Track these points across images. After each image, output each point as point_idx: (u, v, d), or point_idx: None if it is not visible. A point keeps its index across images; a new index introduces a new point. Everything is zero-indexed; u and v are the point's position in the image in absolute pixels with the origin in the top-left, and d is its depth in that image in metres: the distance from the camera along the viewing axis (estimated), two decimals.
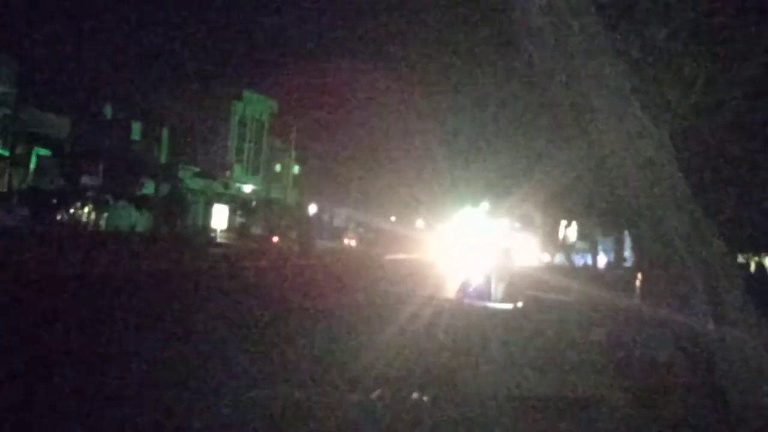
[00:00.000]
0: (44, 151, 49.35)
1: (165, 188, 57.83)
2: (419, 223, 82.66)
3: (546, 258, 54.87)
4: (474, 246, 39.33)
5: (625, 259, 37.96)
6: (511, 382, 12.24)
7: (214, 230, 59.67)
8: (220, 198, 68.48)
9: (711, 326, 12.92)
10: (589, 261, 48.63)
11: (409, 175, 58.03)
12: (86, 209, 50.05)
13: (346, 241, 76.62)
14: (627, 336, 17.08)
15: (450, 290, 30.13)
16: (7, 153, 44.59)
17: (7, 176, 40.06)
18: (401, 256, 62.58)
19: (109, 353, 12.40)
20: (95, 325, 15.19)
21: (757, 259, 22.75)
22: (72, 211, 49.05)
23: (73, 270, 24.49)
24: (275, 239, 63.03)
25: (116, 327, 15.06)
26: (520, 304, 24.69)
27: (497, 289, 27.53)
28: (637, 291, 20.47)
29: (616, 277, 33.57)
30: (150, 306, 19.28)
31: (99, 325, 15.32)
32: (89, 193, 48.06)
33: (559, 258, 51.72)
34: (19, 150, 46.05)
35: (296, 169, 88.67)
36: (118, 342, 13.40)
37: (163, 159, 61.81)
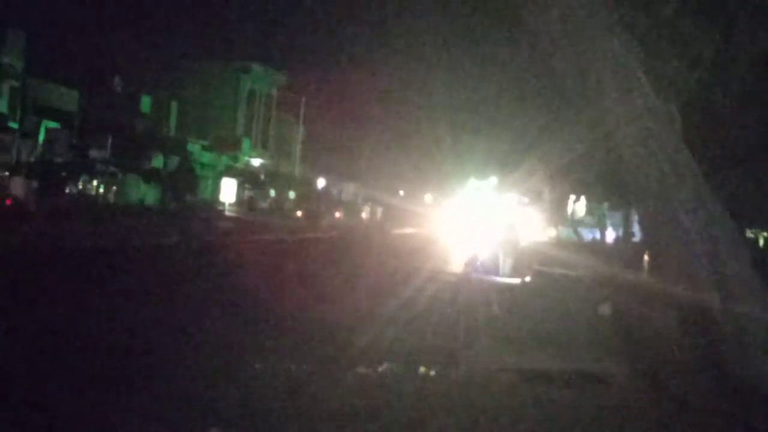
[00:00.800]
0: (53, 124, 49.30)
1: (174, 162, 57.90)
2: (427, 197, 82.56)
3: (553, 232, 54.65)
4: (481, 220, 38.99)
5: (633, 234, 37.87)
6: (518, 356, 12.27)
7: (223, 203, 59.69)
8: (229, 172, 68.49)
9: (717, 302, 12.96)
10: (598, 236, 48.52)
11: (417, 150, 57.99)
12: (95, 182, 50.10)
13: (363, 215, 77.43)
14: (633, 311, 17.10)
15: (458, 264, 30.13)
16: (16, 125, 44.55)
17: (16, 149, 39.91)
18: (409, 230, 62.63)
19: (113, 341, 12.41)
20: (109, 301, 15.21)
21: (766, 234, 22.69)
22: (81, 184, 49.13)
23: (87, 243, 24.54)
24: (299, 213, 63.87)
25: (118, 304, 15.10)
26: (527, 279, 24.70)
27: (505, 263, 27.60)
28: (645, 266, 20.43)
29: (623, 251, 33.54)
30: (147, 281, 19.33)
31: (112, 302, 15.35)
32: (98, 167, 48.02)
33: (566, 232, 51.64)
34: (27, 122, 46.00)
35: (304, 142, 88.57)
36: (117, 328, 13.42)
37: (171, 132, 61.87)
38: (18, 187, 27.37)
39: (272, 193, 77.29)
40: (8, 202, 30.50)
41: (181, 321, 13.25)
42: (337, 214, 71.42)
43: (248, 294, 17.39)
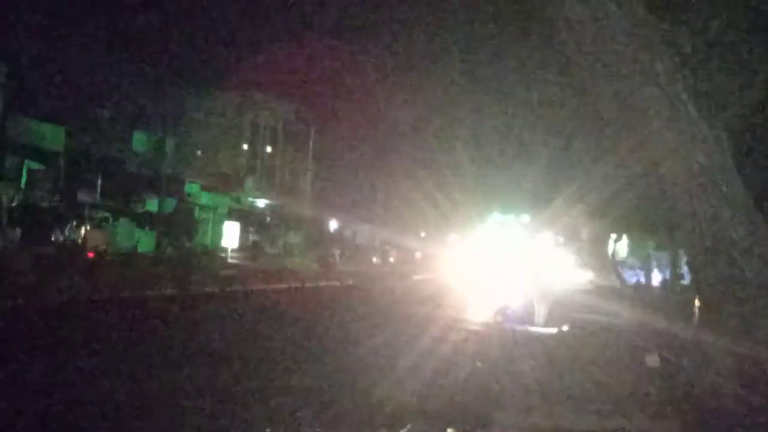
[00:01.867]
0: (36, 165, 49.52)
1: (170, 204, 57.99)
2: (452, 238, 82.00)
3: (592, 276, 54.45)
4: (513, 264, 38.78)
5: (682, 277, 37.67)
6: (555, 418, 12.14)
7: (225, 249, 59.56)
8: (231, 214, 68.43)
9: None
10: (642, 279, 48.27)
11: (439, 187, 57.75)
12: (83, 228, 50.20)
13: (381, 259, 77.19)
14: (683, 364, 16.96)
15: (487, 313, 30.00)
16: None
17: None
18: (432, 275, 62.52)
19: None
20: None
21: None
22: (68, 230, 49.26)
23: (67, 297, 24.55)
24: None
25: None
26: (565, 328, 24.58)
27: (539, 311, 27.47)
28: (696, 313, 20.28)
29: (671, 297, 33.38)
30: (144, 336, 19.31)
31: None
32: (86, 211, 48.15)
33: (606, 276, 51.32)
34: (8, 164, 46.21)
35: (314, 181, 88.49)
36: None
37: (167, 171, 61.99)
38: None
39: (280, 236, 77.11)
40: None
41: (174, 385, 13.20)
42: (353, 259, 71.12)
43: (258, 349, 17.38)
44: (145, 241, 54.87)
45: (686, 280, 33.08)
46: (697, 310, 19.66)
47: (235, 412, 11.55)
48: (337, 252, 67.27)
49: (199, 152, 69.38)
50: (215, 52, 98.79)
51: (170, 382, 13.27)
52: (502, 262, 45.70)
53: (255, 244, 69.87)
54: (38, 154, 49.44)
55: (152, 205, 57.58)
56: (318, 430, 10.46)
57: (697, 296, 19.94)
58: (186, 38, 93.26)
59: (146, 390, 12.58)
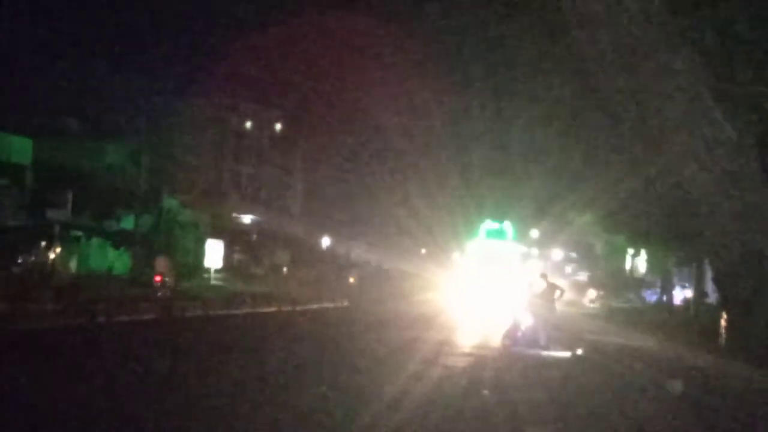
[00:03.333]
0: (1, 181, 49.42)
1: (147, 221, 57.69)
2: (455, 256, 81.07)
3: (595, 294, 55.21)
4: (516, 282, 38.36)
5: (706, 295, 37.69)
6: None
7: (208, 270, 59.19)
8: (214, 232, 67.89)
9: None
10: (663, 297, 48.26)
11: (441, 201, 57.91)
12: (55, 250, 50.01)
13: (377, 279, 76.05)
14: (709, 390, 16.90)
15: (494, 336, 29.89)
16: None
17: None
18: (433, 294, 62.51)
19: None
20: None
21: None
22: (36, 252, 49.09)
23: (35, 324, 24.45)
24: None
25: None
26: (579, 352, 24.51)
27: (549, 333, 27.45)
28: (722, 333, 20.24)
29: (695, 315, 33.32)
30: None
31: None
32: (57, 230, 47.95)
33: (623, 294, 51.40)
34: None
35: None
36: None
37: (143, 187, 61.57)
38: None
39: (266, 255, 76.58)
40: None
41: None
42: (350, 279, 70.71)
43: (245, 384, 17.27)
44: (121, 262, 54.59)
45: (711, 299, 33.04)
46: (723, 332, 19.61)
47: None
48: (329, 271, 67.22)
49: (178, 165, 68.91)
50: (196, 58, 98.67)
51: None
52: (506, 281, 44.80)
53: (240, 264, 69.47)
54: (3, 168, 49.33)
55: (128, 222, 57.28)
56: None
57: (724, 316, 19.93)
58: (165, 43, 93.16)
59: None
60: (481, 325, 37.71)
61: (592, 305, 54.12)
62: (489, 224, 53.30)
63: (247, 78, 68.78)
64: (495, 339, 29.03)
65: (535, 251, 76.50)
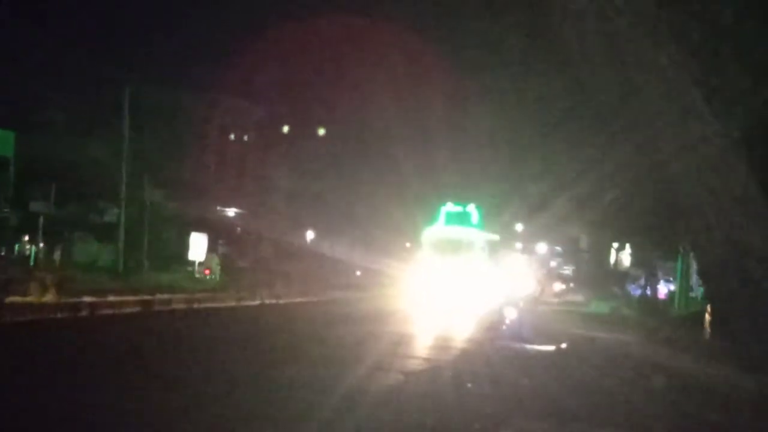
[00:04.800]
0: None
1: (131, 214, 57.52)
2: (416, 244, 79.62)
3: (562, 288, 54.45)
4: (501, 275, 37.34)
5: (691, 288, 37.83)
6: None
7: (192, 263, 58.97)
8: (198, 225, 67.60)
9: None
10: (648, 291, 48.33)
11: (428, 196, 56.53)
12: (38, 244, 49.91)
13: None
14: (694, 384, 17.00)
15: (479, 329, 29.91)
16: None
17: None
18: (417, 288, 62.37)
19: None
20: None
21: None
22: (19, 245, 49.09)
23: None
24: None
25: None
26: (564, 345, 24.57)
27: (529, 327, 27.61)
28: (706, 325, 20.31)
29: (679, 308, 33.41)
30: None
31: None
32: (40, 223, 47.88)
33: (608, 289, 51.17)
34: None
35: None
36: None
37: (127, 180, 61.26)
38: None
39: (251, 248, 76.17)
40: None
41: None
42: (332, 273, 69.94)
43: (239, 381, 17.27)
44: (105, 255, 54.41)
45: (695, 292, 33.17)
46: (708, 327, 19.69)
47: None
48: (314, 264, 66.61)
49: (161, 159, 68.59)
50: (181, 50, 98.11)
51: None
52: (453, 267, 41.82)
53: (224, 257, 69.14)
54: None
55: (112, 216, 57.12)
56: None
57: (709, 310, 20.04)
58: (147, 31, 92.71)
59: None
60: (436, 323, 35.58)
61: (557, 300, 51.27)
62: (450, 207, 47.16)
63: (232, 71, 68.33)
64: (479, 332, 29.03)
65: (516, 244, 76.22)
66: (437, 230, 45.56)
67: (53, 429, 11.58)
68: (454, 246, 43.07)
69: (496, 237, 49.71)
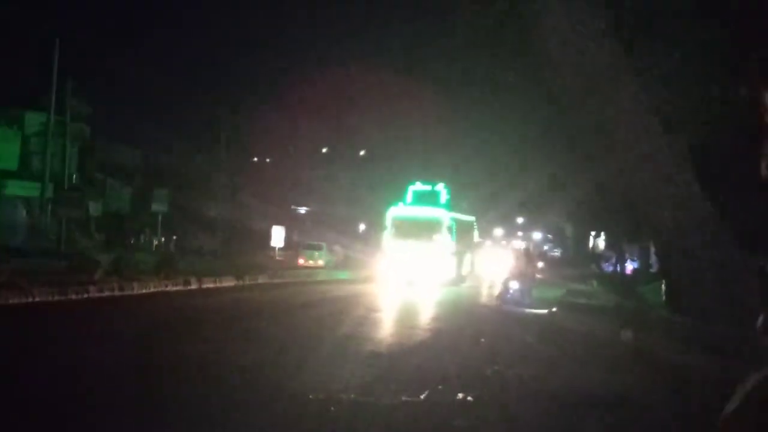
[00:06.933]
0: (117, 180, 49.78)
1: (227, 210, 57.67)
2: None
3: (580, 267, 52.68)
4: (509, 255, 35.46)
5: (650, 266, 37.61)
6: (544, 384, 12.07)
7: (273, 248, 58.66)
8: (277, 220, 66.69)
9: (732, 332, 12.89)
10: (618, 268, 48.06)
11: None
12: (159, 237, 50.12)
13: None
14: (652, 337, 16.96)
15: (489, 300, 29.84)
16: (82, 184, 44.82)
17: (84, 205, 40.12)
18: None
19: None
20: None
21: None
22: (142, 236, 49.46)
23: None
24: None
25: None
26: (554, 309, 24.55)
27: (531, 295, 27.62)
28: (662, 297, 20.24)
29: (641, 282, 33.16)
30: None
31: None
32: (159, 219, 48.25)
33: (587, 266, 50.66)
34: (95, 181, 46.45)
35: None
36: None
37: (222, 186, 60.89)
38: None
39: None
40: None
41: None
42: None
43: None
44: (210, 243, 54.43)
45: (654, 269, 33.01)
46: (664, 295, 19.62)
47: None
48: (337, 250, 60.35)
49: (251, 165, 68.14)
50: (264, 88, 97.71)
51: None
52: (416, 248, 34.34)
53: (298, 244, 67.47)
54: (119, 171, 49.74)
55: (215, 212, 57.20)
56: (349, 395, 10.33)
57: (663, 282, 19.96)
58: (237, 80, 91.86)
59: None
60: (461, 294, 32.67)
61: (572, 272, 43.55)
62: (418, 186, 38.62)
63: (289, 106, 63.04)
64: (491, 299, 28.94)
65: (518, 233, 75.69)
66: (399, 210, 36.78)
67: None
68: (418, 225, 35.14)
69: (470, 218, 42.50)
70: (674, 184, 14.77)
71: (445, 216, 35.82)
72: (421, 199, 37.31)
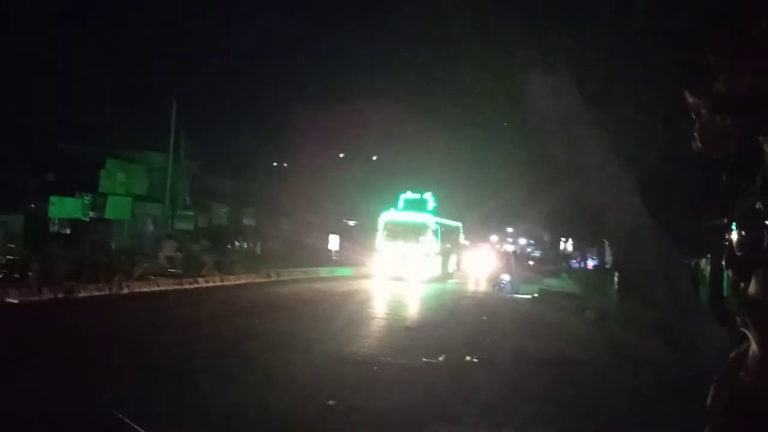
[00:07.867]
0: (218, 202, 50.04)
1: (295, 225, 57.18)
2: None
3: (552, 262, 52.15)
4: (502, 256, 34.17)
5: (606, 263, 37.19)
6: (531, 349, 12.14)
7: (329, 251, 57.87)
8: (332, 230, 66.36)
9: (670, 316, 12.96)
10: (582, 264, 47.64)
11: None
12: (248, 243, 50.15)
13: None
14: (607, 316, 17.03)
15: (487, 288, 29.54)
16: (192, 204, 45.16)
17: (194, 220, 40.77)
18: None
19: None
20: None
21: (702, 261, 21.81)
22: (237, 242, 49.61)
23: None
24: None
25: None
26: (536, 295, 24.51)
27: (518, 284, 27.50)
28: (615, 286, 20.17)
29: (600, 275, 32.95)
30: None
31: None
32: (249, 231, 48.33)
33: (558, 264, 50.13)
34: (201, 202, 46.85)
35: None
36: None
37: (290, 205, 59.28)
38: (169, 248, 25.93)
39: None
40: None
41: None
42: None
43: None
44: (284, 249, 53.95)
45: (609, 266, 32.61)
46: (616, 285, 19.52)
47: None
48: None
49: (313, 190, 67.79)
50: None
51: None
52: (403, 250, 30.56)
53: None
54: (219, 196, 50.00)
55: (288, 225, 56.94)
56: (387, 357, 10.29)
57: (616, 274, 19.83)
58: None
59: None
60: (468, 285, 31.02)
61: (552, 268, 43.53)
62: (408, 194, 34.84)
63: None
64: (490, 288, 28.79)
65: (508, 239, 75.18)
66: (389, 215, 33.01)
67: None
68: (406, 228, 31.45)
69: (456, 223, 38.37)
70: (626, 202, 14.73)
71: (431, 221, 32.36)
72: (411, 205, 33.78)
